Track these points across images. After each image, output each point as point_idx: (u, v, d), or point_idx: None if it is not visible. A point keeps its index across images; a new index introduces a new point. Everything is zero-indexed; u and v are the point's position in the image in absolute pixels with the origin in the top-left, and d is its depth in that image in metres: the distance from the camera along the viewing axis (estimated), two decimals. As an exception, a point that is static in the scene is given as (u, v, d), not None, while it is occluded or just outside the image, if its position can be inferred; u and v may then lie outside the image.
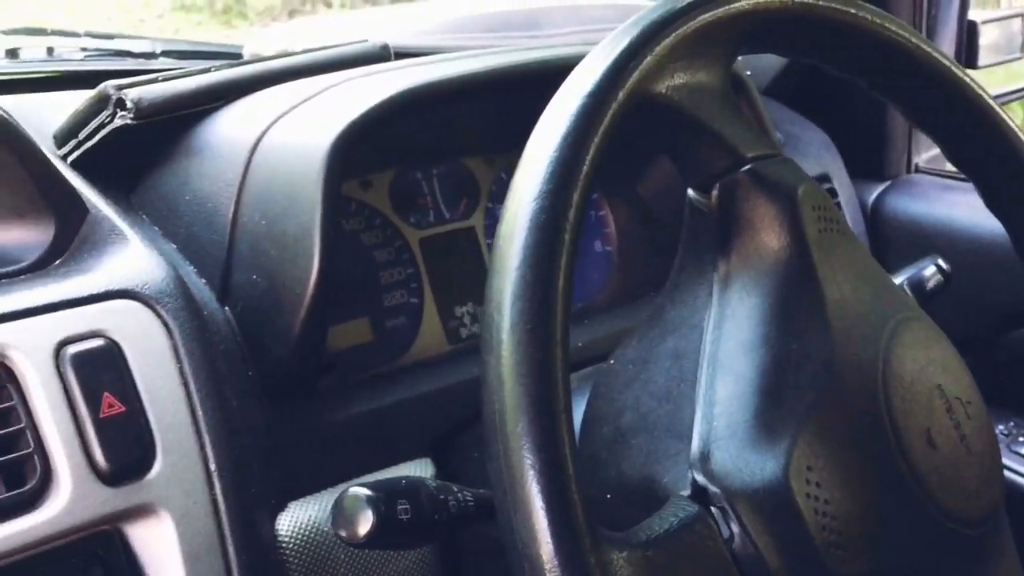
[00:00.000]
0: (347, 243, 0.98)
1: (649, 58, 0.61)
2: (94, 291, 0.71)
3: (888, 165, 1.41)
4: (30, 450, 0.66)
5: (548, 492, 0.54)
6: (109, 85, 0.86)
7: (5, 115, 0.74)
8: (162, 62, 1.27)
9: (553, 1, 1.25)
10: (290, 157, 0.79)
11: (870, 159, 1.40)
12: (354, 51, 0.99)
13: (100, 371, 0.68)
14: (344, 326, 0.96)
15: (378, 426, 0.89)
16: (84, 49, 1.23)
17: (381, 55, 1.01)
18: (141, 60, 1.24)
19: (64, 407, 0.67)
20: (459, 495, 0.72)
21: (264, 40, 1.27)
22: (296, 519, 0.79)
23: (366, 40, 1.03)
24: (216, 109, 0.90)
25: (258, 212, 0.80)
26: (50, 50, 1.20)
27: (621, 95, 0.60)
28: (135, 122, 0.84)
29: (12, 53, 1.17)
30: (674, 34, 0.63)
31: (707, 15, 0.64)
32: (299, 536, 0.79)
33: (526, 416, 0.54)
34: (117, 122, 0.85)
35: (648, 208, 1.14)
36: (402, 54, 1.05)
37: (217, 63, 1.17)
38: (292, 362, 0.80)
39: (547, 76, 0.84)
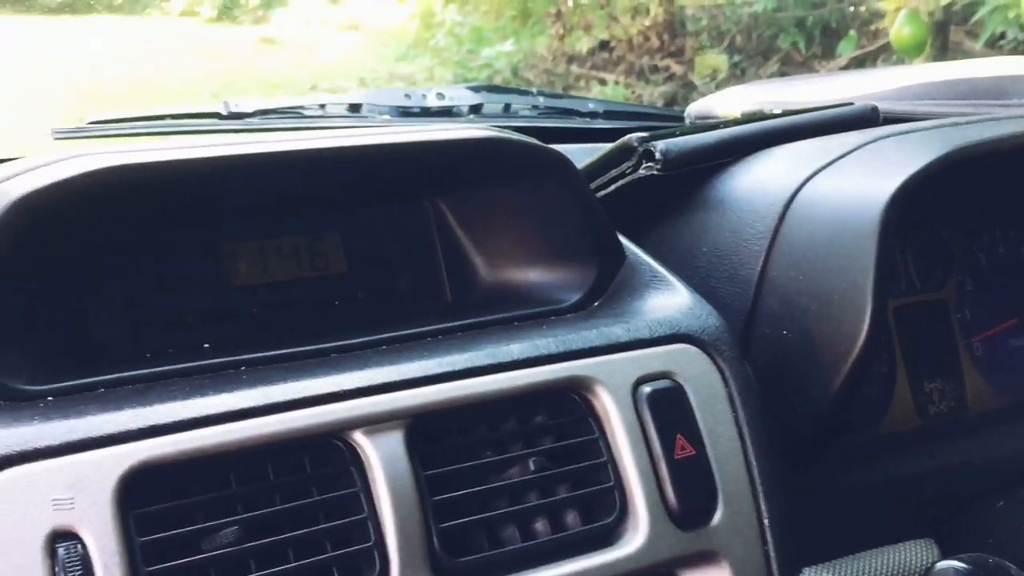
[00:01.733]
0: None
1: None
2: (659, 333, 0.72)
3: None
4: (610, 484, 0.66)
5: None
6: (633, 138, 0.88)
7: (570, 161, 0.77)
8: (601, 122, 1.31)
9: (1017, 68, 1.19)
10: (838, 212, 0.77)
11: None
12: (846, 113, 0.98)
13: (672, 412, 0.69)
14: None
15: (875, 498, 0.85)
16: (535, 107, 1.29)
17: (871, 118, 0.99)
18: (586, 119, 1.29)
19: (642, 445, 0.67)
20: (1028, 582, 0.67)
21: (707, 104, 1.29)
22: (813, 585, 0.77)
23: (852, 103, 1.01)
24: (728, 164, 0.90)
25: (793, 267, 0.79)
26: (507, 107, 1.27)
27: None
28: (660, 173, 0.86)
29: (475, 109, 1.23)
30: None
31: None
32: (816, 603, 0.77)
33: None
34: (642, 172, 0.87)
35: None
36: (888, 119, 1.02)
37: (662, 124, 1.19)
38: (821, 420, 0.78)
39: None
